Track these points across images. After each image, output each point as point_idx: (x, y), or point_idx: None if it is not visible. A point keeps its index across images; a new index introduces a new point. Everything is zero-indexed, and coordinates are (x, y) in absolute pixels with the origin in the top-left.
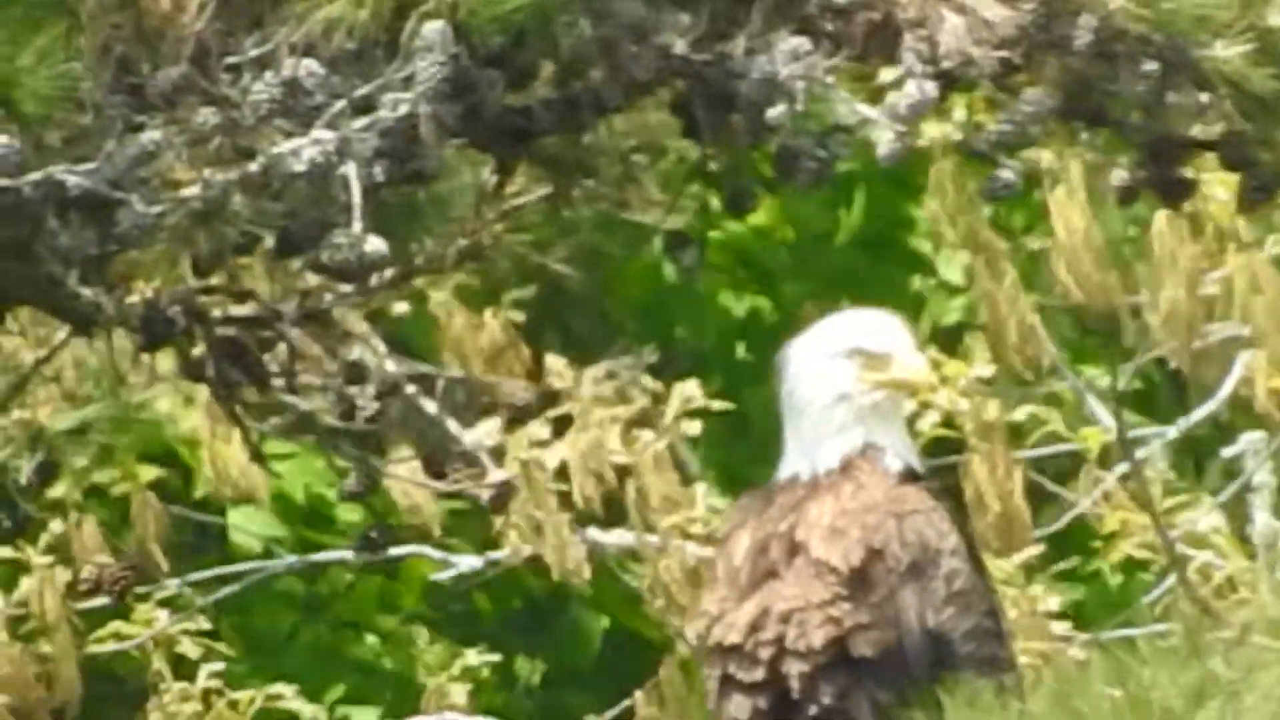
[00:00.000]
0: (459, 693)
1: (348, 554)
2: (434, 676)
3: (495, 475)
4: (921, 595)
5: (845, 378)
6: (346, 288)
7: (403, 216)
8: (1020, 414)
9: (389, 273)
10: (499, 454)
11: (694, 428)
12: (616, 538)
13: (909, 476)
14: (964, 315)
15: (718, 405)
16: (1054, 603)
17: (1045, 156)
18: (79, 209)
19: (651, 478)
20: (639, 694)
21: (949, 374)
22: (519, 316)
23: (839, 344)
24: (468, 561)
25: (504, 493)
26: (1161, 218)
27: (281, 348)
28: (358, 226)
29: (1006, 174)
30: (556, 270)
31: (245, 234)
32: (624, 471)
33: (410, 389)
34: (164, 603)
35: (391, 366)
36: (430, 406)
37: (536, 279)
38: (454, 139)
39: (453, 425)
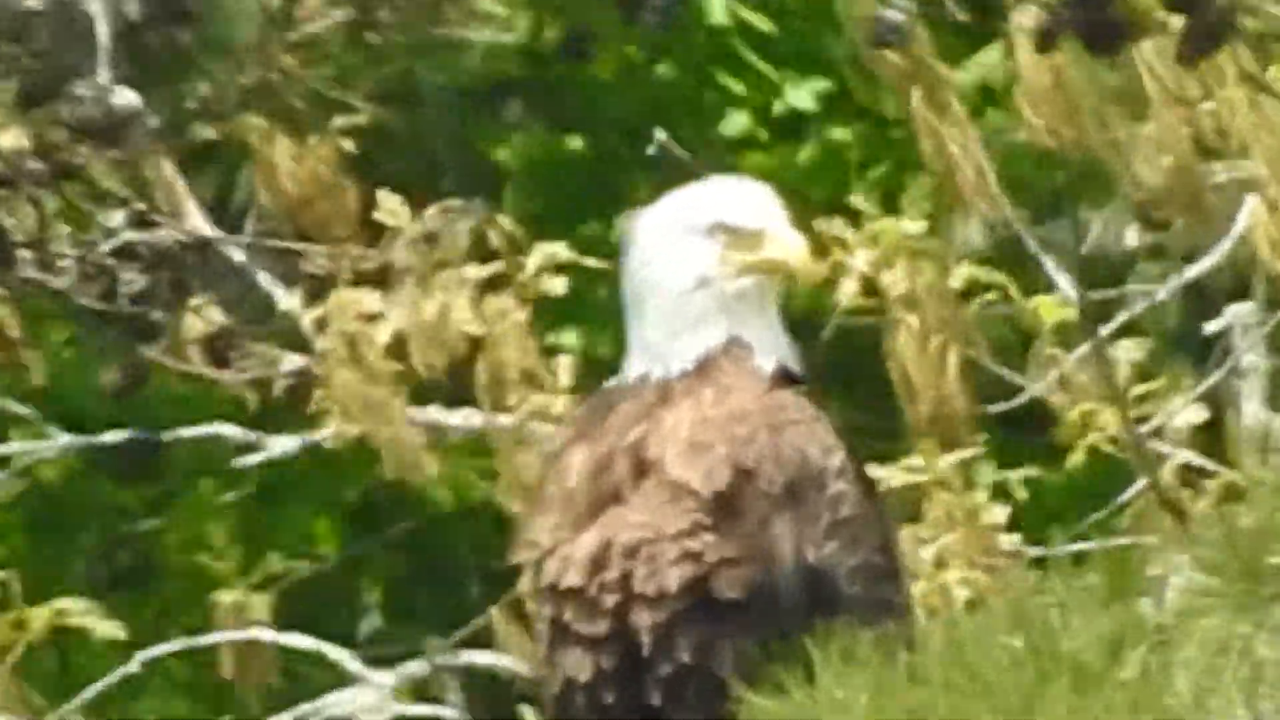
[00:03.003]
0: (260, 605)
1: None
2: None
3: (289, 363)
4: (799, 525)
5: (706, 259)
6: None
7: (168, 60)
8: (957, 280)
9: (152, 124)
10: (321, 324)
11: (558, 285)
12: (463, 418)
13: (784, 379)
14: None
15: (590, 261)
16: (1000, 512)
17: None
18: None
19: (508, 349)
20: (494, 611)
21: (877, 230)
22: (349, 145)
23: (698, 218)
24: (280, 444)
25: (303, 382)
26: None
27: (29, 212)
28: (104, 75)
29: (892, 14)
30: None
31: None
32: (475, 342)
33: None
34: None
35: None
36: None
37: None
38: None
39: (266, 280)
